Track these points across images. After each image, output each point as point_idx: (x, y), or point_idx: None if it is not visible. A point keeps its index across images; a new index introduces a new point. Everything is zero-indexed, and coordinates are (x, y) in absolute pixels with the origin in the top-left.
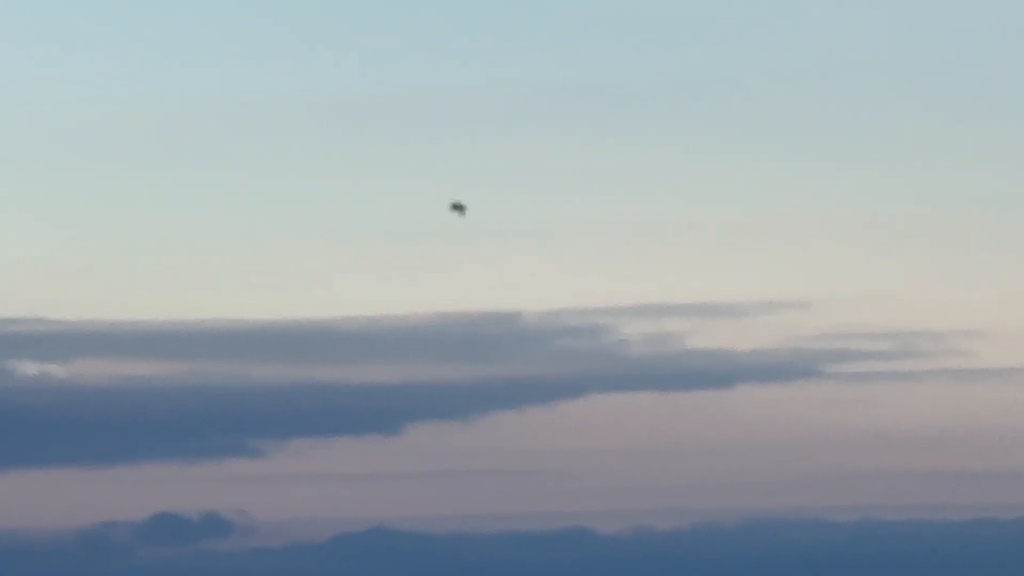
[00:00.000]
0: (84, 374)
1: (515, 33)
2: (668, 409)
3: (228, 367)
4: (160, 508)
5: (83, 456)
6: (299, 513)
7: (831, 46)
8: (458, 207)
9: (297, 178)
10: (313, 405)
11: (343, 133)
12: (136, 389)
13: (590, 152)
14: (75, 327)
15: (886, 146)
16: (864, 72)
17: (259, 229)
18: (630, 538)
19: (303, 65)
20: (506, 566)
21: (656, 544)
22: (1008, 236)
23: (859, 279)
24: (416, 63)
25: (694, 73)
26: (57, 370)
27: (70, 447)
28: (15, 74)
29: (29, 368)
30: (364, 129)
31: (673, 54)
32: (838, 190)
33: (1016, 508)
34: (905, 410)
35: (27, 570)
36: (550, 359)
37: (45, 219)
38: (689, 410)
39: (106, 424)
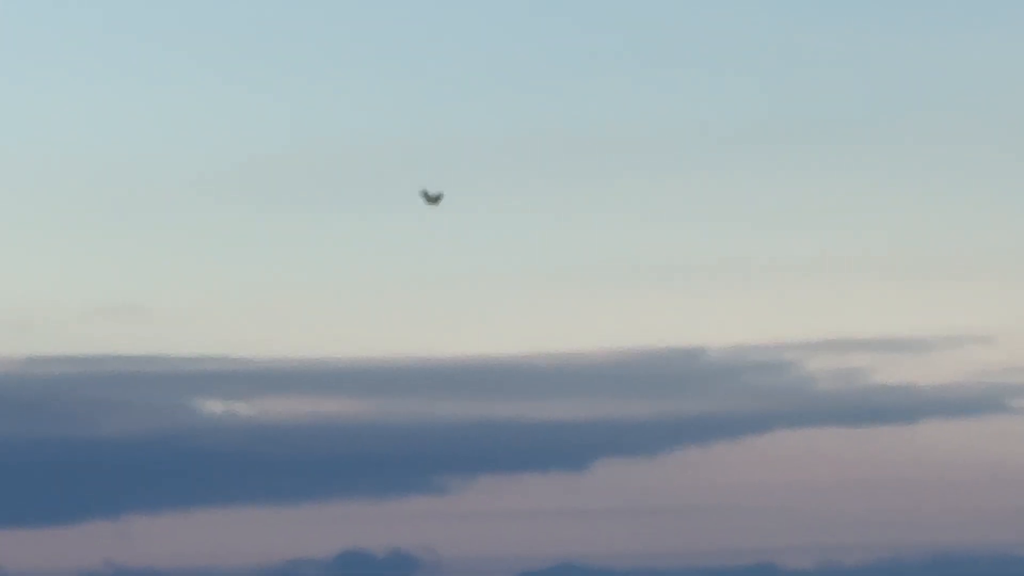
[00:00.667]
0: (270, 412)
1: (704, 69)
2: (853, 444)
3: (414, 404)
4: (346, 546)
5: (269, 494)
6: (485, 550)
7: (1001, 73)
8: (431, 198)
9: (485, 215)
10: (499, 442)
11: (531, 169)
12: (322, 427)
13: (776, 187)
14: (261, 365)
15: None
16: None
17: (446, 267)
18: (816, 573)
19: (504, 101)
20: None
21: None
22: None
23: None
24: (615, 98)
25: (872, 104)
26: (243, 408)
27: (256, 485)
28: (213, 112)
29: (215, 406)
30: (553, 165)
31: (847, 88)
32: None
33: None
34: None
35: None
36: (735, 395)
37: (230, 258)
38: (874, 445)
39: (292, 462)
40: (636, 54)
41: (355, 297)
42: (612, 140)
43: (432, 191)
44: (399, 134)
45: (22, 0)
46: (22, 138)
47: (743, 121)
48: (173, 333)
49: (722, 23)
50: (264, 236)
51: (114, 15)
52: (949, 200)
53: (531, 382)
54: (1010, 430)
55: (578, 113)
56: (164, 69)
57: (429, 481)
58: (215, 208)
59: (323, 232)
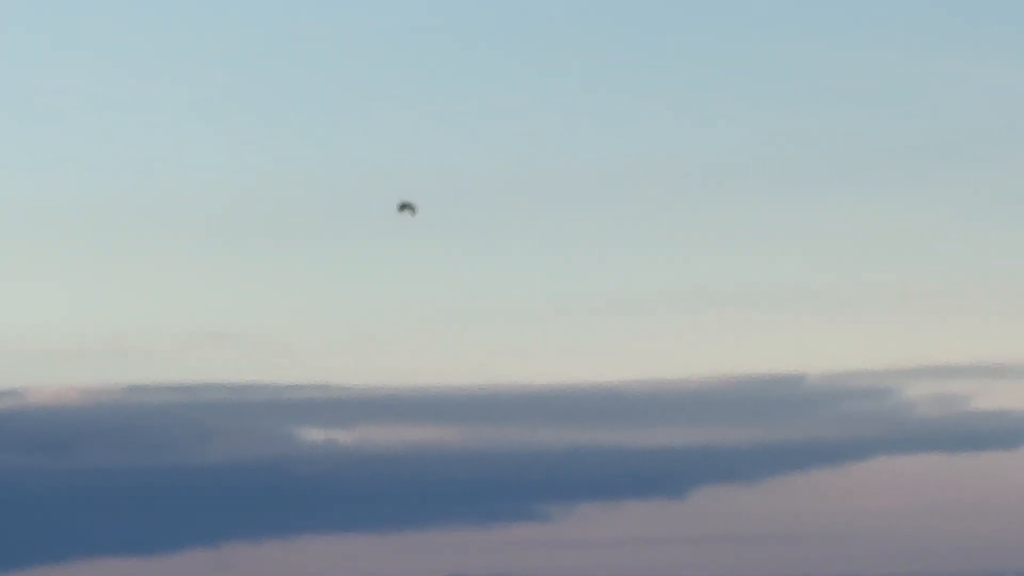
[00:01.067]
0: (370, 440)
1: (802, 97)
2: (953, 470)
3: (514, 432)
4: (448, 573)
5: (369, 522)
6: None
7: None
8: (406, 206)
9: (585, 244)
10: (600, 469)
11: (631, 197)
12: (422, 454)
13: (874, 214)
14: (361, 393)
15: None
16: None
17: (542, 294)
18: None
19: (604, 131)
20: None
21: None
22: None
23: None
24: (715, 126)
25: (972, 130)
26: (343, 436)
27: (357, 513)
28: (312, 139)
29: (314, 434)
30: (655, 193)
31: (947, 114)
32: None
33: None
34: None
35: None
36: (835, 421)
37: (331, 286)
38: (975, 471)
39: (392, 490)
40: (739, 84)
41: (456, 325)
42: (715, 167)
43: (407, 202)
44: (496, 163)
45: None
46: (122, 165)
47: (841, 148)
48: (274, 361)
49: (814, 52)
50: (363, 264)
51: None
52: None
53: (631, 409)
54: None
55: (683, 140)
56: (276, 95)
57: (531, 509)
58: (316, 236)
59: (422, 260)
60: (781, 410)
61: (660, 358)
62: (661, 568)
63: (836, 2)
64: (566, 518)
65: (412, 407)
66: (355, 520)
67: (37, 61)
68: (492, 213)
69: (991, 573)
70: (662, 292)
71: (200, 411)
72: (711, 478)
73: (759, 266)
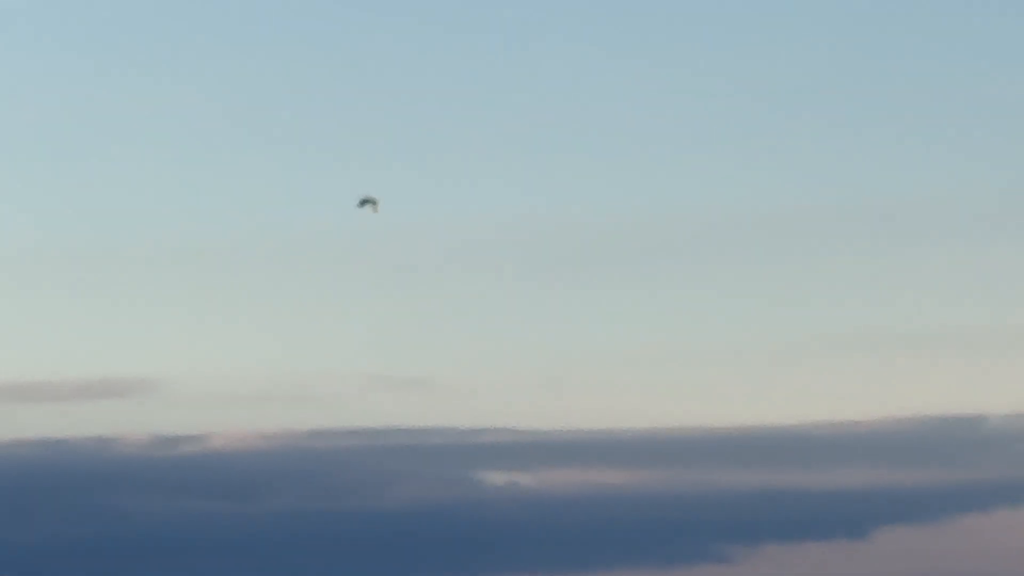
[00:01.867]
0: (552, 483)
1: (977, 140)
2: None
3: (696, 474)
4: None
5: (552, 565)
6: None
7: None
8: (367, 201)
9: (760, 285)
10: (782, 510)
11: (805, 238)
12: (604, 497)
13: None
14: (543, 436)
15: None
16: None
17: (723, 336)
18: None
19: (792, 174)
20: None
21: None
22: None
23: None
24: (875, 168)
25: None
26: (525, 479)
27: (538, 556)
28: (489, 182)
29: (497, 478)
30: (833, 237)
31: None
32: None
33: None
34: None
35: None
36: (1017, 462)
37: (513, 330)
38: None
39: (574, 532)
40: (919, 125)
41: (636, 368)
42: (897, 208)
43: (368, 197)
44: (672, 207)
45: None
46: (304, 210)
47: (1009, 187)
48: (456, 405)
49: (993, 90)
50: (545, 307)
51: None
52: None
53: (813, 450)
54: None
55: (866, 182)
56: (444, 142)
57: (713, 550)
58: (497, 280)
59: (602, 303)
60: (963, 451)
61: (842, 400)
62: None
63: (1008, 40)
64: (749, 560)
65: (594, 450)
66: (538, 563)
67: (228, 109)
68: (674, 257)
69: None
70: (844, 334)
71: (383, 455)
72: (893, 519)
73: (941, 308)
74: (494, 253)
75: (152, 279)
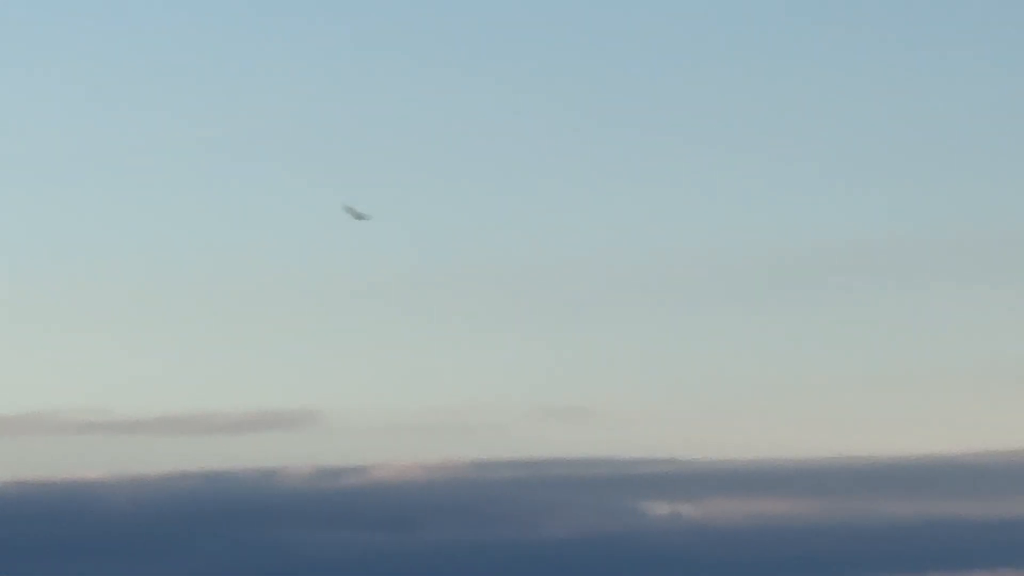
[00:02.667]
0: (716, 514)
1: None
2: None
3: (860, 503)
4: None
5: None
6: None
7: None
8: (356, 214)
9: (921, 313)
10: (946, 540)
11: (962, 267)
12: (767, 527)
13: None
14: (706, 466)
15: None
16: None
17: (890, 365)
18: None
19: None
20: None
21: None
22: None
23: None
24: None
25: None
26: (689, 510)
27: None
28: (643, 215)
29: (661, 508)
30: (987, 264)
31: None
32: None
33: None
34: None
35: None
36: None
37: (675, 358)
38: None
39: (737, 563)
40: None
41: (800, 396)
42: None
43: (357, 210)
44: (832, 235)
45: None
46: (464, 242)
47: None
48: (619, 435)
49: None
50: (708, 337)
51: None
52: None
53: (976, 480)
54: None
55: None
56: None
57: None
58: (659, 309)
59: (764, 332)
60: None
61: (1007, 429)
62: None
63: None
64: None
65: (758, 480)
66: None
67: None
68: (834, 284)
69: None
70: (1002, 362)
71: (545, 486)
72: None
73: None
74: (656, 284)
75: (315, 312)
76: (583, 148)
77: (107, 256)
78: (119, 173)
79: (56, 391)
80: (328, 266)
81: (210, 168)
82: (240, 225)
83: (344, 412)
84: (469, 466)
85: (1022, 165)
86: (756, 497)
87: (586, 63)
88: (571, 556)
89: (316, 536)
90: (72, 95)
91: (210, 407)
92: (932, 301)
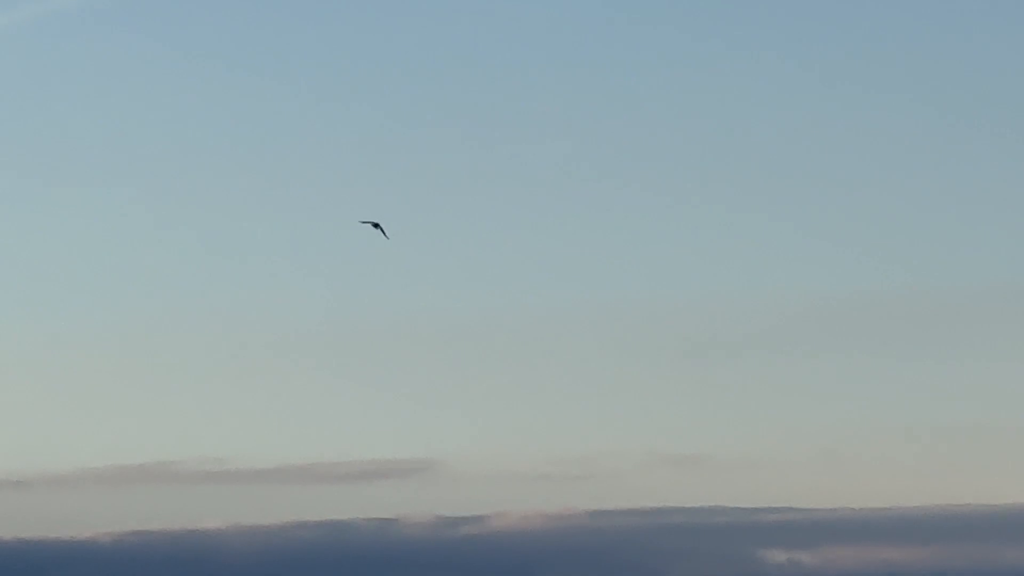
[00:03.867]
0: (833, 562)
1: None
2: None
3: (979, 551)
4: None
5: None
6: None
7: None
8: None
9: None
10: None
11: None
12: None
13: None
14: (824, 515)
15: None
16: None
17: (1005, 412)
18: None
19: None
20: None
21: None
22: None
23: None
24: None
25: None
26: (806, 558)
27: None
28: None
29: (778, 556)
30: None
31: None
32: None
33: None
34: None
35: None
36: None
37: (790, 407)
38: None
39: None
40: None
41: (913, 445)
42: None
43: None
44: (954, 280)
45: None
46: (576, 289)
47: None
48: (735, 483)
49: None
50: (824, 384)
51: None
52: None
53: None
54: None
55: None
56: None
57: None
58: (776, 358)
59: (880, 379)
60: None
61: None
62: None
63: None
64: None
65: (875, 528)
66: None
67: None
68: (951, 332)
69: None
70: None
71: (663, 534)
72: None
73: None
74: (771, 332)
75: (433, 362)
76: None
77: (226, 308)
78: (245, 227)
79: (176, 441)
80: (443, 318)
81: (335, 214)
82: (355, 278)
83: (463, 461)
84: (587, 515)
85: None
86: (873, 545)
87: (586, 112)
88: None
89: None
90: None
91: (329, 457)
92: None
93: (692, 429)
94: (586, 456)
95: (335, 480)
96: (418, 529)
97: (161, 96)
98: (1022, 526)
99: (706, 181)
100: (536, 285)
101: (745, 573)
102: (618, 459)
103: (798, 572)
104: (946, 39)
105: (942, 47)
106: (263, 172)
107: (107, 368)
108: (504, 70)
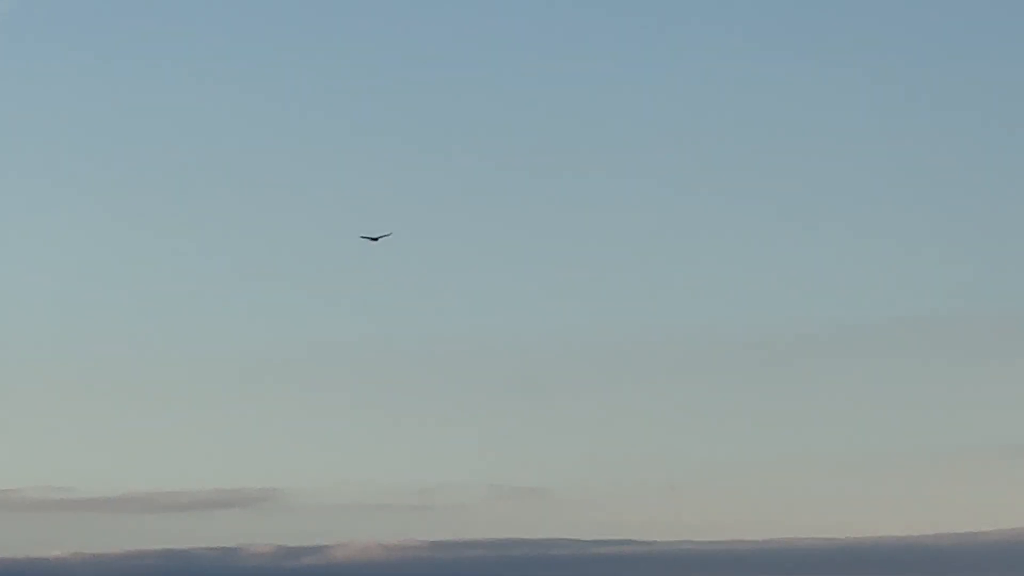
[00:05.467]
0: None
1: None
2: None
3: None
4: None
5: None
6: None
7: None
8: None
9: (884, 396)
10: None
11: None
12: None
13: None
14: (664, 547)
15: None
16: None
17: (844, 447)
18: None
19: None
20: None
21: None
22: None
23: None
24: None
25: None
26: None
27: None
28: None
29: None
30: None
31: None
32: None
33: None
34: None
35: None
36: None
37: (629, 440)
38: None
39: None
40: None
41: (758, 478)
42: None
43: (373, 234)
44: (788, 321)
45: None
46: (421, 321)
47: None
48: (576, 516)
49: None
50: (662, 419)
51: None
52: None
53: (933, 562)
54: None
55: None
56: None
57: None
58: (614, 391)
59: (718, 415)
60: None
61: (963, 511)
62: None
63: None
64: None
65: (716, 561)
66: None
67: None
68: (792, 367)
69: None
70: (981, 445)
71: (503, 566)
72: None
73: None
74: (612, 366)
75: (276, 392)
76: (558, 228)
77: (70, 338)
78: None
79: (19, 470)
80: (290, 348)
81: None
82: (200, 311)
83: (305, 491)
84: (428, 546)
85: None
86: None
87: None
88: None
89: None
90: None
91: (171, 485)
92: (883, 387)
93: (533, 462)
94: (427, 487)
95: (177, 509)
96: (259, 558)
97: (153, 116)
98: (860, 559)
99: (535, 229)
100: (384, 319)
101: None
102: (459, 491)
103: None
104: None
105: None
106: None
107: None
108: None
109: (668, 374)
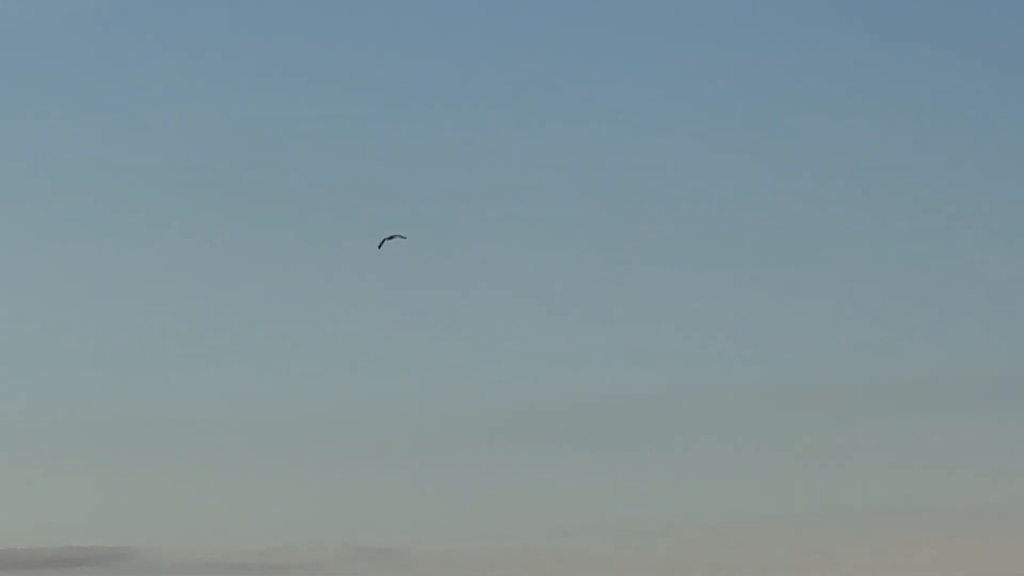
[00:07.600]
0: None
1: None
2: None
3: None
4: None
5: None
6: None
7: None
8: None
9: (748, 460)
10: None
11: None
12: None
13: None
14: None
15: None
16: None
17: (709, 510)
18: None
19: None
20: None
21: None
22: None
23: None
24: None
25: None
26: None
27: None
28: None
29: None
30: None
31: None
32: None
33: None
34: None
35: None
36: None
37: (488, 500)
38: None
39: None
40: None
41: (617, 541)
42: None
43: (387, 236)
44: (652, 383)
45: None
46: (276, 382)
47: None
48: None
49: None
50: (521, 479)
51: None
52: None
53: None
54: None
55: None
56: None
57: None
58: (473, 451)
59: (580, 475)
60: None
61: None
62: None
63: None
64: None
65: None
66: None
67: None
68: (657, 428)
69: None
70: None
71: None
72: None
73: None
74: (470, 425)
75: (127, 449)
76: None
77: None
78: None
79: None
80: (141, 402)
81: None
82: (54, 365)
83: (156, 550)
84: None
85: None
86: None
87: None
88: None
89: None
90: None
91: (22, 542)
92: (747, 451)
93: (390, 522)
94: (282, 546)
95: (29, 566)
96: None
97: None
98: None
99: (395, 281)
100: (231, 376)
101: None
102: (314, 550)
103: None
104: None
105: None
106: None
107: None
108: None
109: (525, 435)
